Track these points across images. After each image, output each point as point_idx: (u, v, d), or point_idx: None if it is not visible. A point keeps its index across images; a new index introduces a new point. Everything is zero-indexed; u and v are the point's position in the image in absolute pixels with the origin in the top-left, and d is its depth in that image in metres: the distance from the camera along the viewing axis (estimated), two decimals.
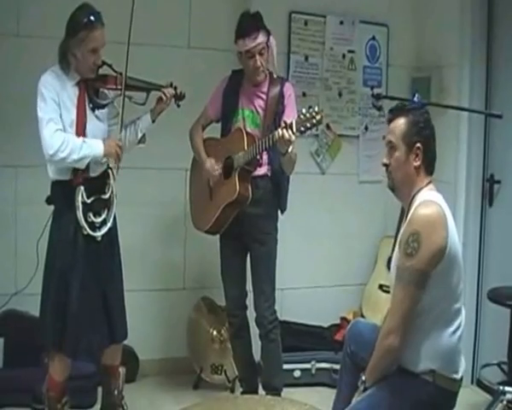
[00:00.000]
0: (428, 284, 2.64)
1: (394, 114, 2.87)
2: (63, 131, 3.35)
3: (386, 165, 2.89)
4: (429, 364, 2.71)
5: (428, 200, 2.72)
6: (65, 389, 3.62)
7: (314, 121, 3.44)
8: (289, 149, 3.56)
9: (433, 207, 2.68)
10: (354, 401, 2.80)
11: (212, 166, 3.93)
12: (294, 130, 3.44)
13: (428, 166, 2.83)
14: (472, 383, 4.59)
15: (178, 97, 3.77)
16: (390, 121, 2.88)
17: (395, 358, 2.73)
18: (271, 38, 3.84)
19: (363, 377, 2.79)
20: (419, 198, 2.76)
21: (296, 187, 4.12)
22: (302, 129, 3.45)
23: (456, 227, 2.76)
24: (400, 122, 2.81)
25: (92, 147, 3.41)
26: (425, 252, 2.61)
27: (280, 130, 3.49)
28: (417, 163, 2.79)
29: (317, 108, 3.45)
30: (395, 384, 2.71)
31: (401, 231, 2.82)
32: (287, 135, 3.44)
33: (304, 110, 3.46)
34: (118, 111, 3.56)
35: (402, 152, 2.80)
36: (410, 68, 5.16)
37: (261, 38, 3.75)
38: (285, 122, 3.51)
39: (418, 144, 2.78)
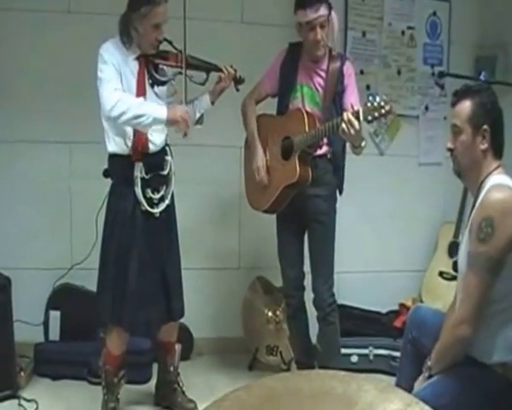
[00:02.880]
0: (503, 271, 2.55)
1: (459, 96, 2.74)
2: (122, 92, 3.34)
3: (450, 149, 2.79)
4: (502, 356, 2.60)
5: (500, 183, 2.61)
6: (122, 363, 3.67)
7: (383, 111, 3.30)
8: (362, 144, 3.48)
9: (506, 191, 2.57)
10: (417, 386, 2.72)
11: (261, 167, 3.85)
12: (362, 118, 3.32)
13: (497, 150, 2.71)
14: None
15: (238, 81, 3.71)
16: (454, 104, 2.76)
17: (465, 349, 2.63)
18: (333, 12, 3.72)
19: (429, 363, 2.71)
20: (489, 182, 2.64)
21: (354, 168, 4.03)
22: (369, 118, 3.33)
23: None
24: (466, 105, 2.69)
25: (154, 108, 3.38)
26: (499, 237, 2.50)
27: (346, 115, 3.35)
28: (484, 146, 2.68)
29: (385, 98, 3.31)
30: (463, 374, 2.60)
31: (469, 216, 2.71)
32: (355, 123, 3.30)
33: (371, 98, 3.32)
34: (175, 89, 3.53)
35: (468, 135, 2.68)
36: (474, 46, 4.99)
37: (323, 10, 3.62)
38: (352, 108, 3.39)
39: (485, 126, 2.66)
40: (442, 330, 2.73)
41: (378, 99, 3.31)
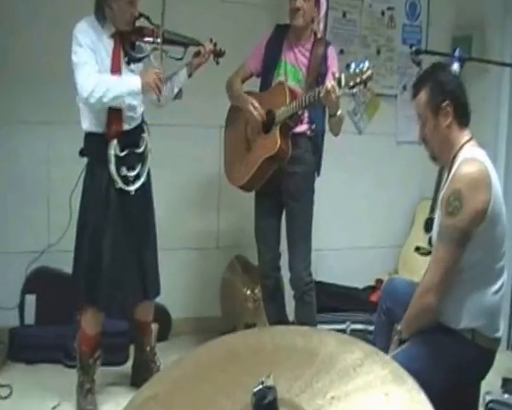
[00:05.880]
0: (470, 243, 2.57)
1: (415, 87, 2.79)
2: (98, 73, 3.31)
3: (423, 140, 2.81)
4: (470, 322, 2.65)
5: (471, 158, 2.63)
6: (97, 344, 3.64)
7: (364, 77, 3.30)
8: (338, 112, 3.51)
9: (475, 165, 2.59)
10: (390, 353, 2.74)
11: (258, 107, 3.78)
12: (343, 84, 3.33)
13: (461, 119, 2.73)
14: (508, 348, 4.50)
15: (218, 54, 3.69)
16: (414, 96, 2.79)
17: (431, 316, 2.68)
18: None
19: (399, 328, 2.74)
20: (461, 156, 2.67)
21: (332, 147, 4.01)
22: (351, 84, 3.33)
23: None
24: (422, 93, 2.73)
25: (129, 82, 3.36)
26: (467, 211, 2.53)
27: (329, 83, 3.38)
28: (448, 121, 2.70)
29: (367, 63, 3.31)
30: (434, 340, 2.65)
31: (442, 190, 2.75)
32: (336, 88, 3.33)
33: (353, 65, 3.33)
34: (153, 66, 3.50)
35: (431, 119, 2.72)
36: (452, 27, 5.03)
37: None
38: (333, 74, 3.42)
39: (444, 103, 2.68)
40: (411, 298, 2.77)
41: (361, 65, 3.31)
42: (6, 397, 3.64)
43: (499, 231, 2.65)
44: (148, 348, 3.82)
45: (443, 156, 2.79)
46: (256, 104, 3.78)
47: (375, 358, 1.32)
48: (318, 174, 3.93)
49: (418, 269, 4.31)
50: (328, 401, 1.21)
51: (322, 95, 3.41)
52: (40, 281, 4.27)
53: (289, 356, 1.31)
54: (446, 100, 2.69)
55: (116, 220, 3.48)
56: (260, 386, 1.10)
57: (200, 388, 1.30)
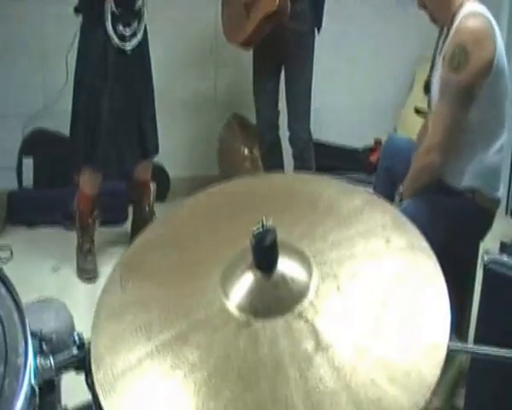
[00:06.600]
0: (474, 99, 2.53)
1: None
2: None
3: (423, 7, 2.70)
4: (471, 181, 2.66)
5: (474, 11, 2.55)
6: (95, 204, 3.67)
7: None
8: None
9: (479, 18, 2.53)
10: None
11: None
12: None
13: None
14: (506, 214, 4.52)
15: None
16: None
17: (435, 175, 2.68)
18: None
19: (401, 189, 2.74)
20: (462, 12, 2.58)
21: (332, 3, 3.90)
22: None
23: None
24: None
25: None
26: (472, 65, 2.48)
27: None
28: None
29: None
30: (435, 199, 2.67)
31: (443, 46, 2.68)
32: None
33: None
34: None
35: None
36: None
37: None
38: None
39: None
40: (413, 157, 2.75)
41: None
42: (6, 260, 3.68)
43: (502, 87, 2.60)
44: (146, 207, 3.86)
45: (443, 16, 2.70)
46: None
47: (377, 205, 1.30)
48: (319, 31, 3.83)
49: (417, 130, 4.28)
50: (328, 246, 1.19)
51: None
52: (37, 143, 4.23)
53: (289, 202, 1.29)
54: None
55: (114, 79, 3.44)
56: (260, 228, 1.08)
57: (199, 233, 1.29)
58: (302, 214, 1.26)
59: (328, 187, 1.34)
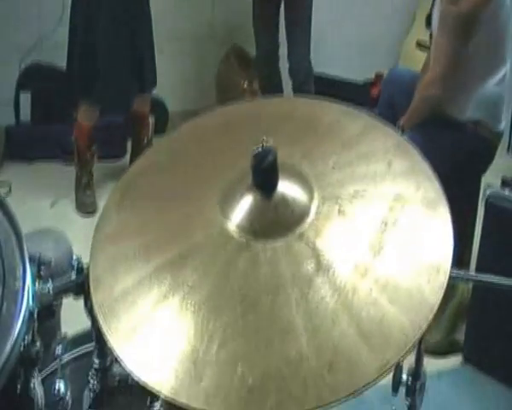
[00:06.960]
0: (474, 31, 2.49)
1: None
2: None
3: None
4: (474, 112, 2.65)
5: None
6: (93, 138, 3.64)
7: None
8: None
9: None
10: None
11: None
12: None
13: None
14: (508, 150, 4.48)
15: None
16: None
17: (436, 107, 2.65)
18: None
19: (401, 122, 2.71)
20: None
21: None
22: None
23: None
24: None
25: None
26: None
27: None
28: None
29: None
30: (437, 131, 2.64)
31: None
32: None
33: None
34: None
35: None
36: None
37: None
38: None
39: None
40: (416, 89, 2.72)
41: None
42: (5, 195, 3.66)
43: (504, 16, 2.56)
44: (145, 141, 3.84)
45: None
46: None
47: (379, 129, 1.28)
48: None
49: (419, 64, 4.22)
50: (329, 168, 1.17)
51: None
52: (34, 78, 4.15)
53: (289, 123, 1.26)
54: None
55: (110, 10, 3.38)
56: (260, 149, 1.05)
57: (197, 157, 1.27)
58: (303, 136, 1.24)
59: (330, 110, 1.32)
